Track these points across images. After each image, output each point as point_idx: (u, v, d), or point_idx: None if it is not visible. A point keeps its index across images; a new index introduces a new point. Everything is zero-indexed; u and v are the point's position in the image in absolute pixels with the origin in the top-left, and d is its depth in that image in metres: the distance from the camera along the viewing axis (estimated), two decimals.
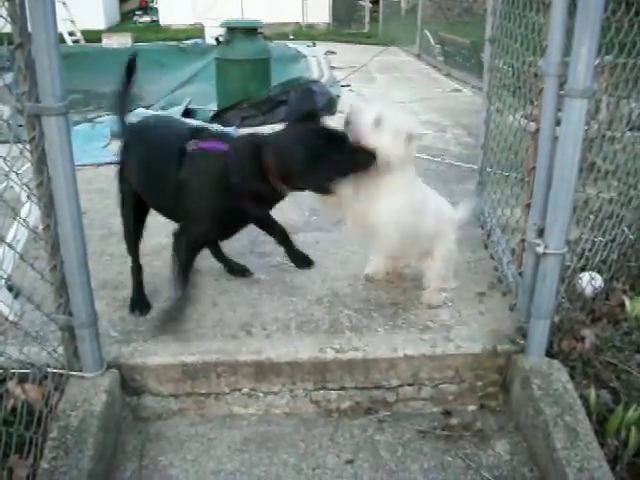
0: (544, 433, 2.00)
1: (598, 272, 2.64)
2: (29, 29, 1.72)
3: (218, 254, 2.79)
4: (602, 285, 2.62)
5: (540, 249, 2.07)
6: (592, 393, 2.11)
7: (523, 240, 2.34)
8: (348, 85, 7.18)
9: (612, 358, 2.28)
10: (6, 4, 1.70)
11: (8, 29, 1.73)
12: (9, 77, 1.90)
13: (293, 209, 3.53)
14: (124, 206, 2.54)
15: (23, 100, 1.77)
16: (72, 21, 12.31)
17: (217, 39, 6.01)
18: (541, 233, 2.10)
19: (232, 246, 3.03)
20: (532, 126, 2.28)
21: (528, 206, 2.27)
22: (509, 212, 2.81)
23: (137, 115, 5.72)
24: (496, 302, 2.57)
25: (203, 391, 2.26)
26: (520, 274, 2.37)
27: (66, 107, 1.78)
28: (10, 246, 2.01)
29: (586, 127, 1.97)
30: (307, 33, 14.88)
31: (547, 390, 2.10)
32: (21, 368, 2.05)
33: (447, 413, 2.31)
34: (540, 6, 2.28)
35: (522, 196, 2.47)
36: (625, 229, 2.86)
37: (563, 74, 1.95)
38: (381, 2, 14.29)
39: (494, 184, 3.18)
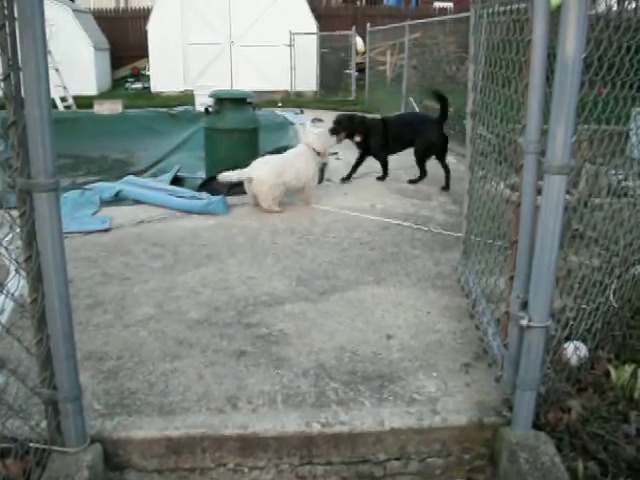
0: None
1: (583, 341, 2.65)
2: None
3: None
4: (587, 354, 2.63)
5: (524, 322, 2.09)
6: (580, 465, 2.11)
7: (507, 312, 2.36)
8: (335, 153, 7.29)
9: (599, 429, 2.28)
10: (1, 84, 1.76)
11: None
12: None
13: (279, 279, 3.56)
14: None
15: (15, 175, 1.80)
16: (64, 87, 12.56)
17: (206, 109, 6.11)
18: (525, 306, 2.12)
19: (219, 317, 3.04)
20: (515, 197, 2.33)
21: (511, 278, 2.30)
22: (493, 281, 2.84)
23: (127, 182, 5.81)
24: (482, 373, 2.57)
25: (187, 466, 2.23)
26: (505, 345, 2.38)
27: (57, 183, 1.82)
28: None
29: (568, 196, 2.02)
30: (295, 100, 15.18)
31: (535, 464, 2.09)
32: (3, 442, 2.02)
33: None
34: (518, 84, 2.36)
35: (506, 266, 2.51)
36: (610, 297, 2.89)
37: (542, 150, 2.01)
38: (367, 71, 14.66)
39: (478, 253, 3.22)
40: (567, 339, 2.63)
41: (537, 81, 2.04)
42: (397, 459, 2.28)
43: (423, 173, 6.26)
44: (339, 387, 2.46)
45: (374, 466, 2.28)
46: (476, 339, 2.85)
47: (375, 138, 6.20)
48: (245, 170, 5.10)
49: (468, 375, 2.57)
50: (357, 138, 6.15)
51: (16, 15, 1.71)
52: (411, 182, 6.24)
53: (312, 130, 5.51)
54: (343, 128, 6.00)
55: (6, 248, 1.92)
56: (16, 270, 1.97)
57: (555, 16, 1.97)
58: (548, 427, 2.27)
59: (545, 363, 2.31)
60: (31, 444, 2.05)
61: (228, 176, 5.11)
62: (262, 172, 5.04)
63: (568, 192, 2.09)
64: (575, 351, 2.59)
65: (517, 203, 2.26)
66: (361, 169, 6.33)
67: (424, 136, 6.13)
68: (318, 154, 5.35)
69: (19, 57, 1.75)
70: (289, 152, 5.50)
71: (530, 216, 2.14)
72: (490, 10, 2.99)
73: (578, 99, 1.89)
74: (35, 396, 2.07)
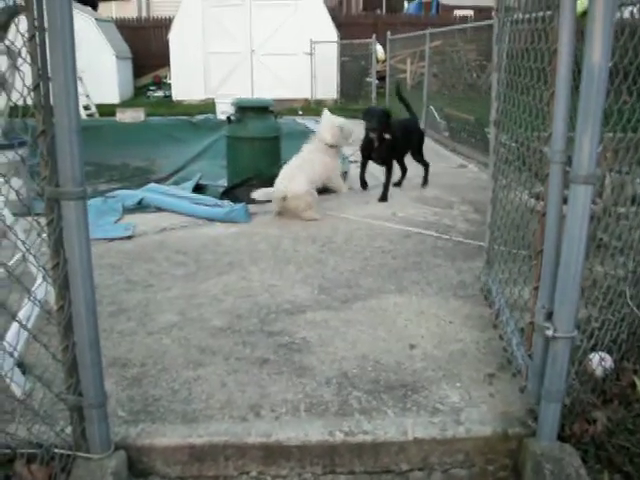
0: None
1: (608, 352, 2.62)
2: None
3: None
4: (612, 365, 2.60)
5: (549, 332, 2.07)
6: (605, 478, 2.08)
7: (532, 322, 2.34)
8: (356, 161, 7.29)
9: (625, 441, 2.25)
10: (32, 94, 1.79)
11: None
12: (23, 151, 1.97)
13: (301, 287, 3.56)
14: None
15: (43, 184, 1.83)
16: (87, 95, 12.73)
17: (228, 118, 6.14)
18: (550, 316, 2.10)
19: (242, 325, 3.05)
20: (540, 206, 2.32)
21: (536, 288, 2.28)
22: (517, 291, 2.82)
23: (150, 190, 5.86)
24: (506, 383, 2.55)
25: (210, 474, 2.23)
26: (530, 356, 2.36)
27: (84, 191, 1.84)
28: (24, 327, 2.03)
29: (593, 206, 2.00)
30: (316, 109, 15.22)
31: (559, 476, 2.06)
32: (29, 448, 2.04)
33: None
34: (542, 94, 2.35)
35: (530, 276, 2.49)
36: (634, 308, 2.86)
37: (568, 160, 2.00)
38: (387, 79, 14.67)
39: (502, 262, 3.20)
40: (592, 350, 2.61)
41: (563, 90, 2.03)
42: (420, 469, 2.27)
43: (426, 167, 6.54)
44: (362, 396, 2.45)
45: (397, 476, 2.26)
46: (500, 349, 2.82)
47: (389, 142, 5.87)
48: (278, 188, 5.08)
49: (492, 385, 2.55)
50: (387, 135, 5.75)
51: (46, 26, 1.73)
52: (424, 184, 6.48)
53: (327, 123, 5.55)
54: (381, 125, 5.76)
55: (34, 255, 1.94)
56: (43, 277, 1.99)
57: (579, 23, 1.97)
58: (573, 439, 2.24)
59: (570, 374, 2.28)
60: (56, 450, 2.06)
61: (265, 194, 5.15)
62: (295, 187, 5.03)
63: (593, 202, 2.07)
64: (600, 362, 2.56)
65: (542, 212, 2.24)
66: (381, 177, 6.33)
67: (417, 135, 6.57)
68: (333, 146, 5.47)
69: (49, 67, 1.78)
70: (303, 152, 5.45)
71: (555, 226, 2.13)
72: (514, 18, 2.99)
73: (604, 108, 1.88)
74: (60, 402, 2.09)
